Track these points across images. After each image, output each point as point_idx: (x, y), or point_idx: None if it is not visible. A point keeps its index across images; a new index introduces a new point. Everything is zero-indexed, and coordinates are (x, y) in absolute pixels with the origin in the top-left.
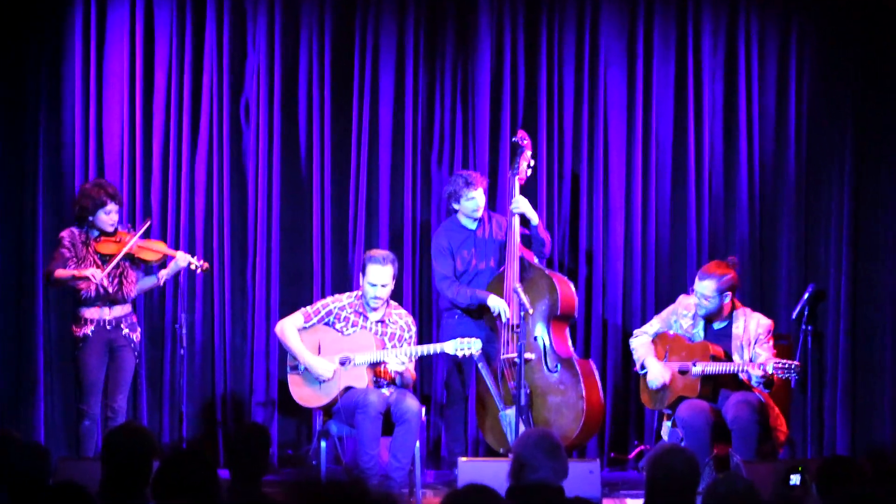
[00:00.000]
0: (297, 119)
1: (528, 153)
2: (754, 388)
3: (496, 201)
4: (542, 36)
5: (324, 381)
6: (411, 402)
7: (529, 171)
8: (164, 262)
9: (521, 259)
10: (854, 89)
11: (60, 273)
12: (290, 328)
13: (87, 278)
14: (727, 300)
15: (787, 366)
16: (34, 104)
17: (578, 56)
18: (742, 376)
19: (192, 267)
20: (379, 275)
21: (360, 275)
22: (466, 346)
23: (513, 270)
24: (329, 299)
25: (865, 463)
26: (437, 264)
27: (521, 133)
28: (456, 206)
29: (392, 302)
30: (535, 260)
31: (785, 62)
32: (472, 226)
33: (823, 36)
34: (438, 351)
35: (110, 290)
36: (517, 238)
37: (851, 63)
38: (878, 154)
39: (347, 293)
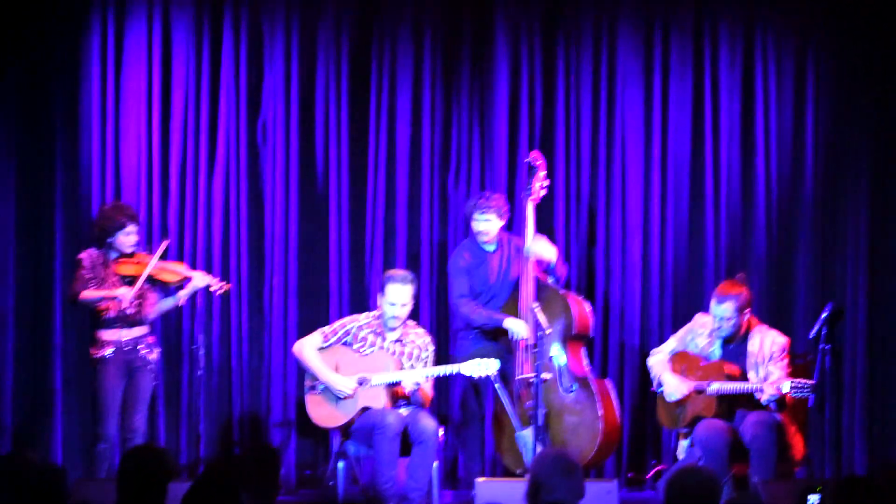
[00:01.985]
0: (314, 140)
1: (542, 174)
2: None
3: (513, 222)
4: (558, 55)
5: (343, 398)
6: (429, 423)
7: (544, 192)
8: (182, 283)
9: (537, 279)
10: (871, 107)
11: (87, 295)
12: (308, 348)
13: (115, 298)
14: (745, 318)
15: (802, 385)
16: (51, 124)
17: (595, 76)
18: (758, 395)
19: (212, 289)
20: (399, 294)
21: (379, 295)
22: (484, 367)
23: (527, 291)
24: (347, 319)
25: (882, 481)
26: (453, 282)
27: (534, 154)
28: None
29: (410, 322)
30: (550, 280)
31: (801, 81)
32: (491, 247)
33: (840, 54)
34: (455, 372)
35: (130, 310)
36: (530, 266)
37: (868, 81)
38: (894, 171)
39: (366, 313)
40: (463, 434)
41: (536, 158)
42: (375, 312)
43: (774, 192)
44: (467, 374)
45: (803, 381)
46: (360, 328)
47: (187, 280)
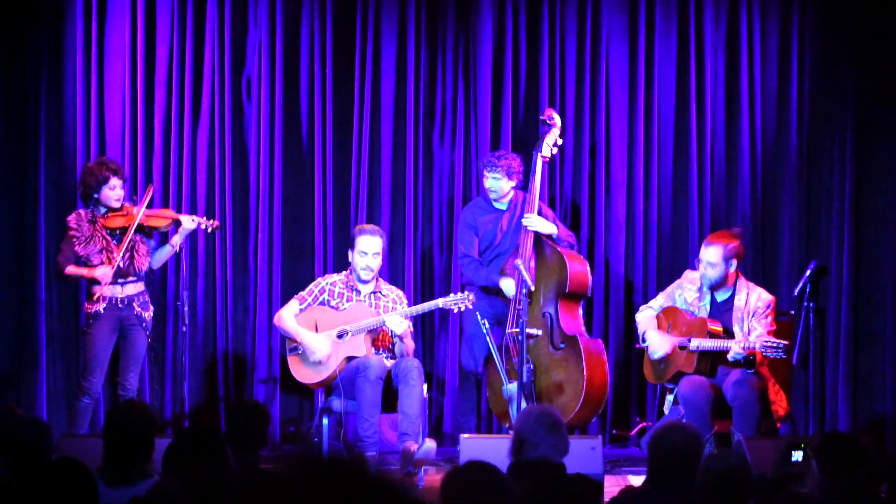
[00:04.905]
0: (299, 96)
1: (556, 131)
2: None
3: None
4: (543, 11)
5: (318, 361)
6: (410, 360)
7: (555, 150)
8: (170, 227)
9: (538, 236)
10: (855, 64)
11: (71, 271)
12: (286, 317)
13: (96, 280)
14: (732, 269)
15: (775, 345)
16: (35, 79)
17: (580, 31)
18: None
19: (203, 226)
20: (369, 244)
21: (350, 251)
22: (461, 300)
23: (525, 248)
24: (320, 279)
25: (866, 438)
26: (460, 240)
27: (548, 111)
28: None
29: (380, 279)
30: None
31: (786, 37)
32: (503, 206)
33: (825, 10)
34: (435, 307)
35: (122, 264)
36: (531, 238)
37: (853, 38)
38: (879, 129)
39: (338, 272)
40: (456, 391)
41: (550, 117)
42: (347, 271)
43: (759, 148)
44: (445, 308)
45: (776, 340)
46: (334, 284)
47: (177, 224)
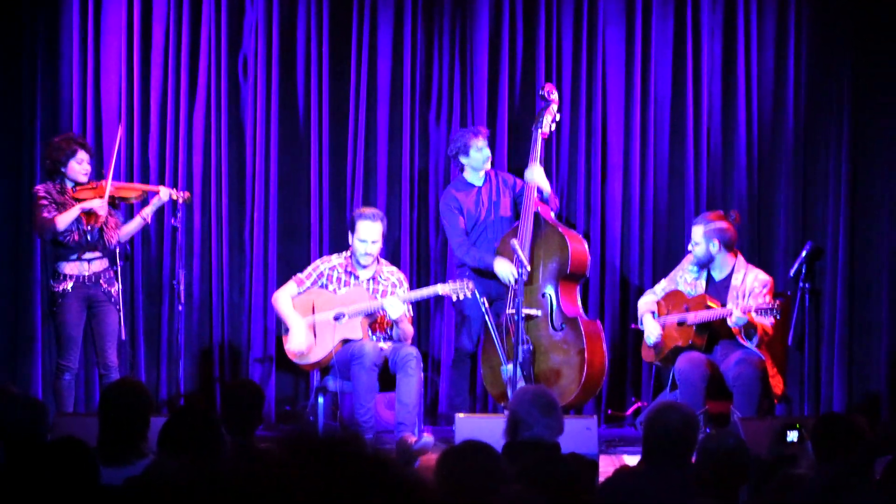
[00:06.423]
0: (296, 75)
1: (554, 107)
2: (737, 332)
3: (495, 158)
4: None
5: (300, 351)
6: (409, 348)
7: (554, 126)
8: (145, 199)
9: (537, 215)
10: (852, 47)
11: (63, 219)
12: (283, 299)
13: (91, 210)
14: (715, 249)
15: (767, 306)
16: (31, 59)
17: (577, 13)
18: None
19: (174, 198)
20: (369, 231)
21: (350, 233)
22: (460, 288)
23: (525, 227)
24: (318, 262)
25: (861, 419)
26: (447, 225)
27: (547, 87)
28: (464, 161)
29: (382, 259)
30: (552, 215)
31: (783, 20)
32: (479, 182)
33: None
34: (434, 293)
35: (89, 238)
36: (534, 194)
37: (850, 21)
38: (875, 112)
39: (336, 254)
40: (451, 371)
41: (550, 91)
42: (346, 253)
43: (755, 131)
44: (444, 295)
45: (768, 301)
46: (333, 269)
47: (151, 195)
